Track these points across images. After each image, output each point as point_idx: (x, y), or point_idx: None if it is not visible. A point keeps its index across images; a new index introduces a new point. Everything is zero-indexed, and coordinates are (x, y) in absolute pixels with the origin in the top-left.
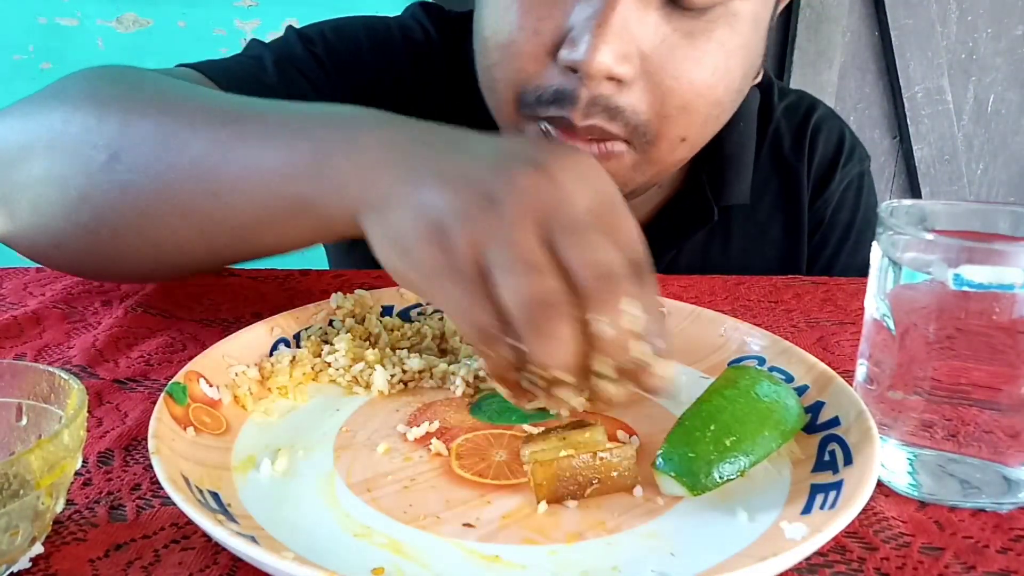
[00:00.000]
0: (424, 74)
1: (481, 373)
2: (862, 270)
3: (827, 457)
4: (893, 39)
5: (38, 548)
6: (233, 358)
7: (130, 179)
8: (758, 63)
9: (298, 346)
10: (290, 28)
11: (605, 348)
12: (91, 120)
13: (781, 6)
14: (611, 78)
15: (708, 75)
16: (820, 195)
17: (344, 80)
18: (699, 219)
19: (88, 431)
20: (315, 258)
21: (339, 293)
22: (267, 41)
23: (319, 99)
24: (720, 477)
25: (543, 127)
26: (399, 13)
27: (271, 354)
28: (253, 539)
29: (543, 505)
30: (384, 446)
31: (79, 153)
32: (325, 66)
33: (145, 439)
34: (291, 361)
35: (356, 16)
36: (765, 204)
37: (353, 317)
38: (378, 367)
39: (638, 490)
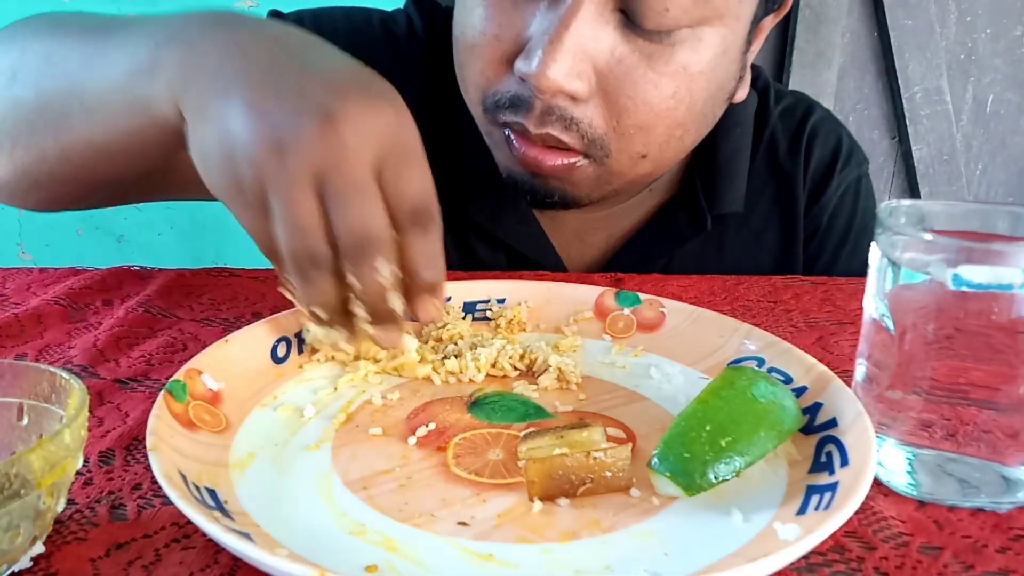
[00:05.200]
0: (401, 66)
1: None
2: (860, 274)
3: (824, 458)
4: (892, 40)
5: (39, 547)
6: (234, 357)
7: (22, 94)
8: (731, 86)
9: (299, 346)
10: (272, 12)
11: (359, 297)
12: (2, 50)
13: (761, 36)
14: (564, 93)
15: (667, 97)
16: (816, 201)
17: None
18: (692, 227)
19: (89, 431)
20: None
21: None
22: None
23: None
24: (715, 478)
25: (506, 133)
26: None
27: (272, 353)
28: (248, 536)
29: (537, 504)
30: (382, 445)
31: None
32: None
33: (145, 439)
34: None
35: (344, 7)
36: (760, 211)
37: None
38: (407, 336)
39: (634, 490)
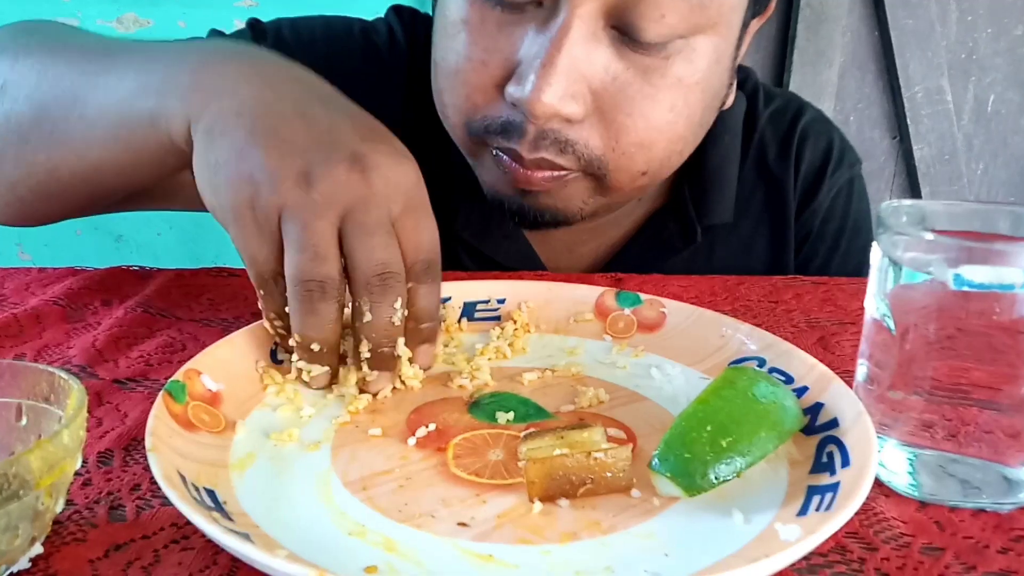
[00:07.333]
0: (383, 77)
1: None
2: (855, 275)
3: (825, 459)
4: (893, 39)
5: (38, 548)
6: (233, 357)
7: (12, 108)
8: (723, 93)
9: None
10: (251, 20)
11: (365, 333)
12: None
13: (748, 39)
14: (559, 116)
15: (665, 112)
16: (808, 206)
17: None
18: (682, 239)
19: (88, 431)
20: None
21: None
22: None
23: None
24: (716, 478)
25: (494, 152)
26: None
27: (272, 354)
28: (247, 537)
29: (538, 504)
30: (382, 445)
31: None
32: None
33: (144, 439)
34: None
35: (324, 16)
36: (749, 218)
37: None
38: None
39: (635, 491)
